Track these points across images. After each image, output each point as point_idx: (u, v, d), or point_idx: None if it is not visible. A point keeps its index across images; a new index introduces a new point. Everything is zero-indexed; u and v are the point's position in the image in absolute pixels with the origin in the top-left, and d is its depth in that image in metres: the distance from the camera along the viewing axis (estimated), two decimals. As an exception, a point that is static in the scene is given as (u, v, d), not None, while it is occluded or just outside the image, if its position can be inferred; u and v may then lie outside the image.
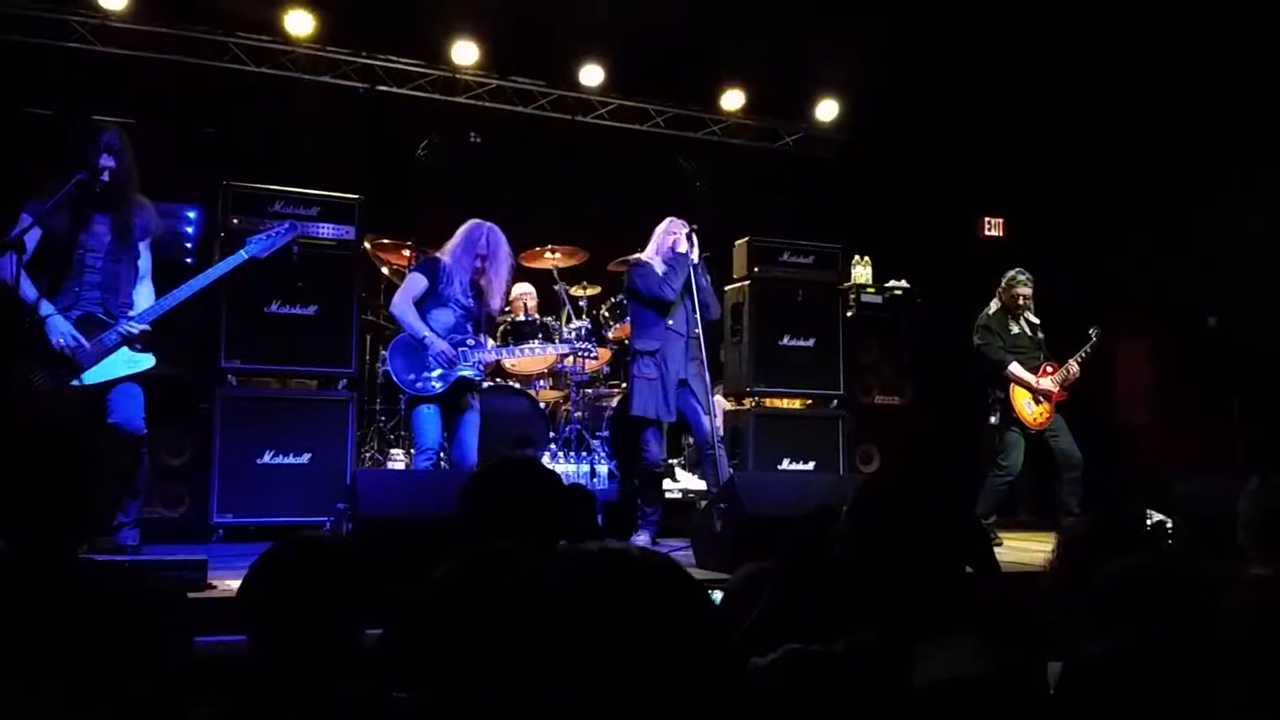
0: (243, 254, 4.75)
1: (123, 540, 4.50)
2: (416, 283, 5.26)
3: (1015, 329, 6.32)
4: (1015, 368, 6.18)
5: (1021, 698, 1.55)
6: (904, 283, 7.48)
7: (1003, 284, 6.37)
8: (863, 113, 8.41)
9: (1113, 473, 6.49)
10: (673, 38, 7.30)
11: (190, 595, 3.55)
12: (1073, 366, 6.30)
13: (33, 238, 4.29)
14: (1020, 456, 6.18)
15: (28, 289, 4.27)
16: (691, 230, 5.56)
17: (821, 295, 6.99)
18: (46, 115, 6.68)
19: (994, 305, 6.39)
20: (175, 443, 5.55)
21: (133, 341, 4.47)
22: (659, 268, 5.52)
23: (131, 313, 4.49)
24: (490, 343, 5.36)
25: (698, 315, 5.49)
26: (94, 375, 4.40)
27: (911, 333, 7.44)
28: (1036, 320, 6.41)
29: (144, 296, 4.60)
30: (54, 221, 4.33)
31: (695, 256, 5.54)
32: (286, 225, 4.91)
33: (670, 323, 5.55)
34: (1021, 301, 6.30)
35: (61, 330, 4.29)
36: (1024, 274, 6.31)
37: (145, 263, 4.65)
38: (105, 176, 4.37)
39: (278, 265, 5.69)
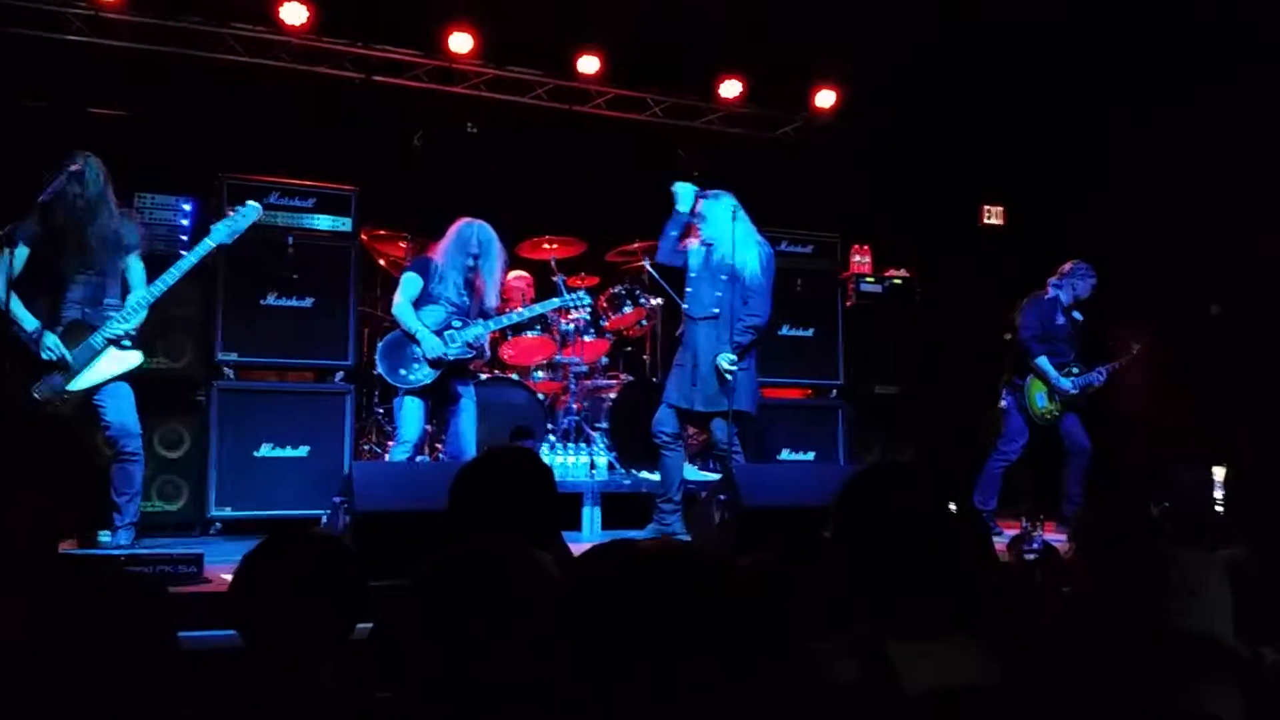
0: (209, 241, 4.71)
1: (118, 541, 4.53)
2: (411, 283, 5.25)
3: (1060, 320, 6.20)
4: (1043, 361, 6.08)
5: (1025, 706, 1.42)
6: (903, 272, 7.44)
7: (1068, 272, 6.25)
8: (862, 101, 8.36)
9: (1115, 462, 6.45)
10: (670, 26, 7.25)
11: (186, 590, 3.56)
12: (1100, 376, 6.21)
13: (20, 257, 4.41)
14: (1021, 446, 6.12)
15: (16, 306, 4.39)
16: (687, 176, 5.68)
17: (821, 284, 6.98)
18: (43, 107, 6.66)
19: (1050, 291, 6.27)
20: (173, 436, 5.53)
21: (118, 340, 4.50)
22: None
23: (113, 313, 4.53)
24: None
25: (719, 291, 5.35)
26: (83, 380, 4.47)
27: (911, 322, 7.41)
28: (1080, 318, 6.31)
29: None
30: (37, 240, 4.45)
31: (687, 208, 5.53)
32: (248, 206, 4.84)
33: (686, 306, 5.53)
34: (1086, 294, 6.19)
35: (49, 346, 4.39)
36: (1090, 271, 6.22)
37: (137, 273, 4.67)
38: (68, 199, 4.43)
39: (274, 257, 5.69)
